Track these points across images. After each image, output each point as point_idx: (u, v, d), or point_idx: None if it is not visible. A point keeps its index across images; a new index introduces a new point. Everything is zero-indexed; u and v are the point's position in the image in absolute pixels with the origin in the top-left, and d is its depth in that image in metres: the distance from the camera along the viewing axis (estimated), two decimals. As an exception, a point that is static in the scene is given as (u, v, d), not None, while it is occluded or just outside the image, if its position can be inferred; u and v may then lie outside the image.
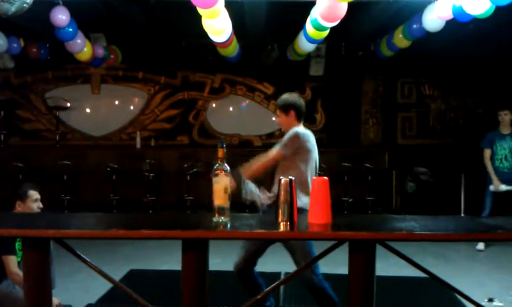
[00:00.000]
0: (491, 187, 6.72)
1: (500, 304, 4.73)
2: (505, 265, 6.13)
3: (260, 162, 3.90)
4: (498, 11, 4.99)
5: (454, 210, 8.10)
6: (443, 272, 3.38)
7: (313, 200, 2.76)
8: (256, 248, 3.97)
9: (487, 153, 6.86)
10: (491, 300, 4.78)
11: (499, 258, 6.52)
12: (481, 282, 5.48)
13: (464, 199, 8.23)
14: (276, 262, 5.43)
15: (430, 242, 6.11)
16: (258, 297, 3.12)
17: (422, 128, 9.82)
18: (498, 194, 6.74)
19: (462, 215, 7.97)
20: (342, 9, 4.85)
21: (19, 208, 3.76)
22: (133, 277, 5.60)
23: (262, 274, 5.37)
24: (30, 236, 2.63)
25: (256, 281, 4.12)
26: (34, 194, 3.81)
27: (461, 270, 5.98)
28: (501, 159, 6.75)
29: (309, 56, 8.86)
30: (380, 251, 2.65)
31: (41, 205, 3.84)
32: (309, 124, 9.59)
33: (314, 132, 4.10)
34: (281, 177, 2.78)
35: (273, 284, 2.94)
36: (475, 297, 3.08)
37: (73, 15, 6.30)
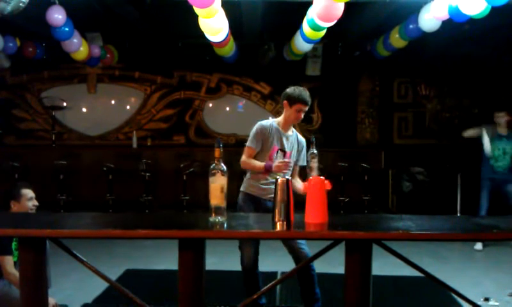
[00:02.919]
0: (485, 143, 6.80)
1: (496, 304, 4.74)
2: (501, 265, 6.15)
3: None
4: (494, 11, 5.00)
5: (450, 210, 8.11)
6: (439, 272, 3.39)
7: (310, 200, 2.77)
8: None
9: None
10: (487, 299, 4.80)
11: (495, 258, 6.54)
12: (477, 281, 5.49)
13: (460, 198, 8.24)
14: (273, 262, 5.44)
15: (426, 241, 6.12)
16: (254, 296, 3.12)
17: (418, 128, 9.84)
18: (491, 191, 6.77)
19: (458, 214, 7.98)
20: (339, 9, 4.85)
21: (14, 207, 3.75)
22: (129, 276, 5.59)
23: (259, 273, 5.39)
24: (26, 236, 2.62)
25: (258, 275, 4.20)
26: (28, 193, 3.80)
27: (457, 269, 5.99)
28: (496, 158, 6.79)
29: (306, 56, 8.87)
30: (376, 250, 2.66)
31: (36, 203, 3.82)
32: (306, 124, 9.69)
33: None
34: (278, 177, 2.81)
35: (270, 284, 2.94)
36: (471, 296, 3.09)
37: (69, 14, 6.28)
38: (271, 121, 4.17)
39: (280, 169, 3.89)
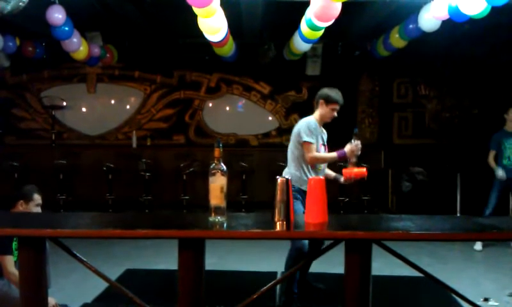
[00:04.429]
0: (499, 173, 6.75)
1: (496, 304, 4.74)
2: (501, 265, 6.15)
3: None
4: (494, 11, 5.01)
5: (450, 210, 8.12)
6: (438, 272, 3.40)
7: (310, 200, 2.77)
8: None
9: (491, 154, 6.93)
10: (486, 299, 4.80)
11: (495, 258, 6.54)
12: (477, 282, 5.49)
13: (460, 198, 8.25)
14: (273, 262, 5.44)
15: (426, 241, 6.13)
16: (254, 296, 3.11)
17: (417, 128, 9.84)
18: (502, 190, 6.79)
19: (458, 214, 7.99)
20: (336, 9, 4.86)
21: (21, 207, 3.77)
22: (129, 276, 5.59)
23: (258, 273, 5.39)
24: (26, 236, 2.62)
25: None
26: (38, 199, 3.85)
27: (456, 269, 6.00)
28: (508, 157, 6.80)
29: (305, 56, 8.87)
30: (376, 250, 2.66)
31: (40, 211, 3.85)
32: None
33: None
34: (277, 177, 2.81)
35: (270, 284, 2.94)
36: (471, 296, 3.09)
37: (69, 13, 6.28)
38: (312, 119, 4.51)
39: (353, 152, 4.31)
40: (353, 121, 9.82)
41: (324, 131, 4.67)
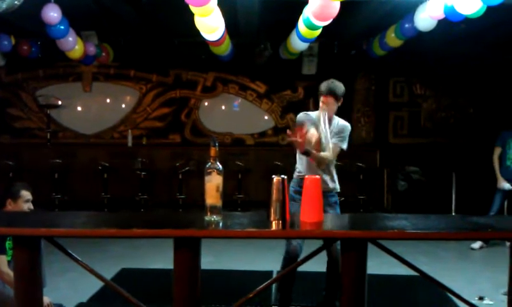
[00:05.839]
0: (504, 186, 6.73)
1: (491, 302, 4.76)
2: (497, 264, 6.15)
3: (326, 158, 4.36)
4: (490, 10, 5.02)
5: (445, 209, 8.14)
6: (434, 271, 3.40)
7: (305, 199, 2.77)
8: None
9: (496, 151, 6.87)
10: (481, 298, 4.81)
11: (491, 257, 6.56)
12: (472, 280, 5.51)
13: (455, 198, 8.27)
14: (269, 261, 5.44)
15: (421, 240, 6.13)
16: (250, 295, 3.11)
17: (413, 127, 9.85)
18: (507, 194, 6.79)
19: (453, 213, 8.01)
20: (335, 8, 4.86)
21: (9, 206, 3.73)
22: (124, 276, 5.58)
23: (254, 272, 5.39)
24: (21, 235, 2.61)
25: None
26: (27, 195, 3.78)
27: (452, 268, 6.01)
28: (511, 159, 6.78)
29: (301, 55, 8.87)
30: (372, 249, 2.66)
31: (31, 207, 3.80)
32: (301, 123, 9.67)
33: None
34: (273, 176, 2.79)
35: (265, 283, 2.94)
36: (466, 295, 3.10)
37: (64, 12, 6.26)
38: (314, 112, 4.41)
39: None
40: (349, 120, 9.81)
41: (336, 124, 4.44)
